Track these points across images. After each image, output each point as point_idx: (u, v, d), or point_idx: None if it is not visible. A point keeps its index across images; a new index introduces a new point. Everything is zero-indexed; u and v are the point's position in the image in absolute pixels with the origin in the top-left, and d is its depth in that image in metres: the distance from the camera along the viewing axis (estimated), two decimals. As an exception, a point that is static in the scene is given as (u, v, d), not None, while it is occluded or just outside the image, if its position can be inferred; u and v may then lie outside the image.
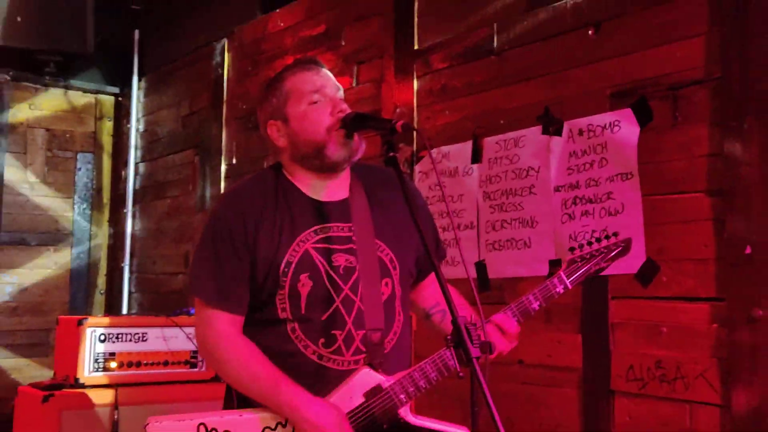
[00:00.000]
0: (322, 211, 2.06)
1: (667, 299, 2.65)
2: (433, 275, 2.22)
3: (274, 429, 1.96)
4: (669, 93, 2.67)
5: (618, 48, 2.84)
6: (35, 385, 3.67)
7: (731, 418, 2.44)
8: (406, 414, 1.97)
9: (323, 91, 2.06)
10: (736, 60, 2.49)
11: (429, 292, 2.24)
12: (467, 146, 3.35)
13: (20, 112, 5.66)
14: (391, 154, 1.88)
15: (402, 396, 1.94)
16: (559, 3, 3.05)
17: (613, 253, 2.06)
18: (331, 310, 1.98)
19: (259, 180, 2.12)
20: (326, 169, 2.07)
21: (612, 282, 2.79)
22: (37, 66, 5.54)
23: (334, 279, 2.00)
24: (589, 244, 2.06)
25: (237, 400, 2.04)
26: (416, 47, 3.64)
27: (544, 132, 3.05)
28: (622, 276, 2.75)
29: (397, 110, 3.63)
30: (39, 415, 3.47)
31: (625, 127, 2.78)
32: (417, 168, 3.56)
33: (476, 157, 3.31)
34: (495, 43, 3.28)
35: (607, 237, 2.06)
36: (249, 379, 1.99)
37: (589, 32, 2.94)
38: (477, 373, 1.60)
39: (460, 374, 1.76)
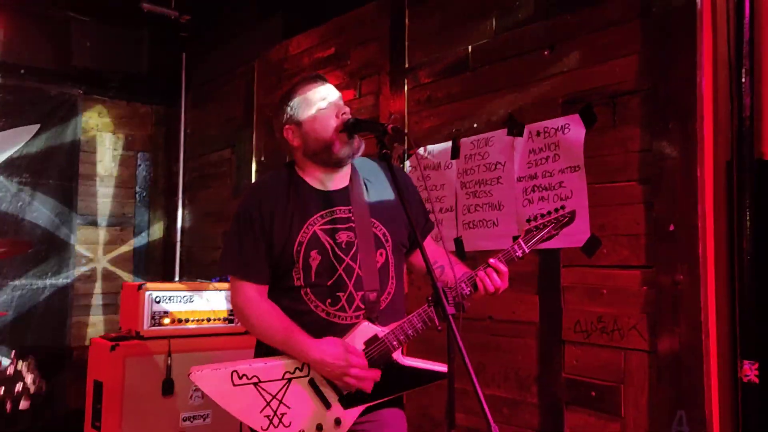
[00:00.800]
0: (327, 198, 2.04)
1: (607, 267, 2.64)
2: (427, 242, 2.21)
3: (293, 372, 1.96)
4: (609, 101, 2.65)
5: (568, 65, 2.81)
6: (105, 337, 3.68)
7: (657, 361, 2.44)
8: (399, 357, 1.98)
9: (327, 98, 2.05)
10: (662, 75, 2.47)
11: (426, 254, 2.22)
12: (447, 145, 3.32)
13: (91, 120, 5.61)
14: (384, 150, 1.87)
15: (395, 343, 1.94)
16: (520, 29, 3.02)
17: (562, 223, 2.02)
18: (335, 277, 1.98)
19: (274, 176, 2.10)
20: (333, 164, 2.05)
21: (563, 253, 2.78)
22: (104, 82, 5.49)
23: (338, 252, 1.99)
24: (542, 216, 2.03)
25: (265, 349, 2.04)
26: (407, 65, 3.61)
27: (509, 133, 3.03)
28: (571, 249, 2.74)
29: (392, 116, 3.61)
30: (108, 361, 3.49)
31: (574, 129, 2.75)
32: (407, 163, 3.54)
33: (455, 153, 3.29)
34: (469, 62, 3.25)
35: (557, 210, 2.03)
36: (269, 332, 2.00)
37: (545, 52, 2.90)
38: (452, 327, 1.60)
39: (439, 328, 1.75)
